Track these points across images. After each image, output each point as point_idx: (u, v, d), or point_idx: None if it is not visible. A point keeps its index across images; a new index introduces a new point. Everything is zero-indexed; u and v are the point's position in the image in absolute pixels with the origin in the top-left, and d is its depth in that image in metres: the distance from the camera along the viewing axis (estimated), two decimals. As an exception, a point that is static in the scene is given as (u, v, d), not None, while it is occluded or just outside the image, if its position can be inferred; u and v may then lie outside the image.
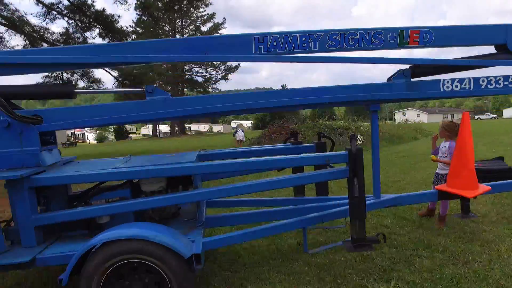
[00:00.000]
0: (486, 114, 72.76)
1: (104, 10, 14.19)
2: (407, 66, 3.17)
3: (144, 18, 32.44)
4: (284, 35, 2.89)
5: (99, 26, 15.47)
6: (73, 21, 15.71)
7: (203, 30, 39.95)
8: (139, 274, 2.35)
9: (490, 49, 3.35)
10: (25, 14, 13.49)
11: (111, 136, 67.76)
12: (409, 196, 3.37)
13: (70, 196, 3.12)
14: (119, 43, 2.85)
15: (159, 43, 2.81)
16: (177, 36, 39.72)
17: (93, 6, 14.01)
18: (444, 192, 3.41)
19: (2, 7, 12.48)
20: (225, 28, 39.84)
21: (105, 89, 2.83)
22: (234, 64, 38.13)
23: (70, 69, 2.87)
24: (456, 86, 3.16)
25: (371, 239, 2.77)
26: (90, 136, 77.81)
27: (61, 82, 2.62)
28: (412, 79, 3.14)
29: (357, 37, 2.99)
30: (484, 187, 3.39)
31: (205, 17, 41.10)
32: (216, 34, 38.16)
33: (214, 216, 3.39)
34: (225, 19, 40.44)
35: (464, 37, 3.10)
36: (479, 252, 3.33)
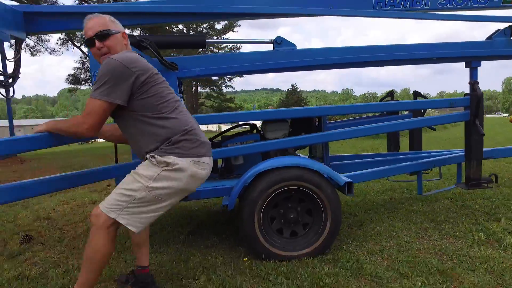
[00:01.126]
0: (497, 114, 72.76)
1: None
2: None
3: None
4: (400, -8, 3.11)
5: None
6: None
7: (217, 28, 40.15)
8: (292, 203, 2.58)
9: None
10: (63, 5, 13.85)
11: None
12: (503, 150, 3.60)
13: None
14: None
15: None
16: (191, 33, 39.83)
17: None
18: (534, 146, 3.62)
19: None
20: (239, 25, 39.88)
21: (235, 39, 3.01)
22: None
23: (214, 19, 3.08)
24: (556, 44, 3.36)
25: (485, 179, 2.99)
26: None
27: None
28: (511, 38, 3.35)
29: (465, -5, 3.20)
30: None
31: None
32: (230, 32, 38.36)
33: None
34: (239, 17, 40.51)
35: None
36: None
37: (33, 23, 2.85)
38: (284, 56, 3.05)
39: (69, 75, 16.66)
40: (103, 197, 4.72)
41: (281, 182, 2.46)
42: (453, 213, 3.35)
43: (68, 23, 3.00)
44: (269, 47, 3.11)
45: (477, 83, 2.98)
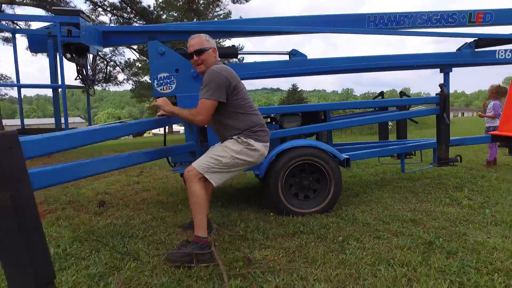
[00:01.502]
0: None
1: (149, 6, 15.47)
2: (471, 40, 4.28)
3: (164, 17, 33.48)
4: (388, 15, 4.02)
5: (140, 22, 16.66)
6: (115, 16, 16.95)
7: (219, 28, 40.90)
8: (305, 174, 3.49)
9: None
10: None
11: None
12: (470, 138, 4.52)
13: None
14: (281, 17, 3.95)
15: (308, 18, 3.93)
16: (194, 34, 40.48)
17: (140, 2, 15.31)
18: (496, 135, 4.54)
19: (63, 4, 13.83)
20: (241, 26, 40.71)
21: (256, 51, 3.65)
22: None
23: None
24: (508, 55, 4.27)
25: (452, 159, 3.90)
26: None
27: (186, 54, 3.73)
28: (475, 50, 4.25)
29: (439, 17, 4.10)
30: (528, 131, 4.52)
31: (221, 17, 41.91)
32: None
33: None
34: (241, 18, 41.43)
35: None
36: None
37: (108, 39, 3.76)
38: (298, 64, 3.95)
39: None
40: (142, 179, 5.64)
41: (298, 157, 3.37)
42: (430, 187, 4.26)
43: (133, 39, 3.93)
44: (286, 57, 4.01)
45: (445, 85, 3.89)
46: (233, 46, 4.07)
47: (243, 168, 2.66)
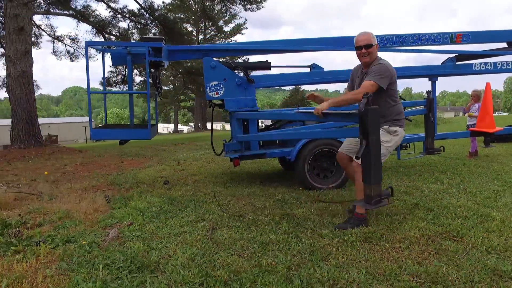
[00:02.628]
0: (498, 113, 74.47)
1: (167, 13, 16.61)
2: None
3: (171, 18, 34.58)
4: (386, 37, 5.15)
5: (156, 28, 17.81)
6: (133, 23, 18.10)
7: (225, 30, 42.14)
8: (325, 159, 4.63)
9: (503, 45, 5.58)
10: (105, 18, 16.03)
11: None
12: (453, 134, 5.68)
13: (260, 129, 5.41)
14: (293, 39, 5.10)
15: (326, 39, 5.07)
16: (200, 36, 41.81)
17: (159, 10, 16.47)
18: (474, 131, 5.68)
19: (88, 12, 15.05)
20: (246, 28, 41.98)
21: (285, 64, 4.55)
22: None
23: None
24: (483, 67, 5.40)
25: (437, 149, 5.04)
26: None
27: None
28: (456, 63, 5.38)
29: (427, 38, 5.24)
30: (499, 128, 5.66)
31: (227, 18, 43.11)
32: (238, 34, 40.61)
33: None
34: (247, 20, 42.65)
35: (488, 37, 5.33)
36: (496, 163, 5.60)
37: (173, 56, 4.91)
38: (317, 75, 5.09)
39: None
40: (185, 167, 6.76)
41: (321, 146, 4.51)
42: (421, 172, 5.41)
43: (190, 56, 5.08)
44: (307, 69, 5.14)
45: (431, 92, 5.03)
46: (267, 60, 5.18)
47: (392, 150, 3.36)
